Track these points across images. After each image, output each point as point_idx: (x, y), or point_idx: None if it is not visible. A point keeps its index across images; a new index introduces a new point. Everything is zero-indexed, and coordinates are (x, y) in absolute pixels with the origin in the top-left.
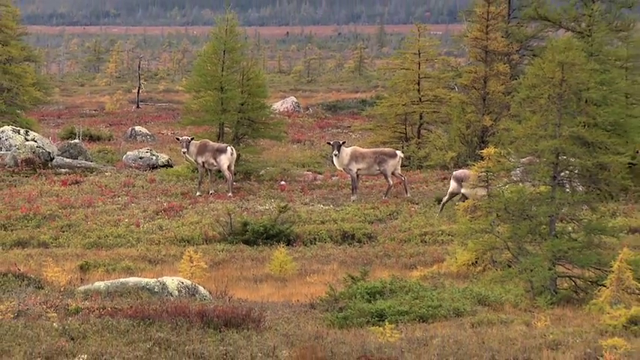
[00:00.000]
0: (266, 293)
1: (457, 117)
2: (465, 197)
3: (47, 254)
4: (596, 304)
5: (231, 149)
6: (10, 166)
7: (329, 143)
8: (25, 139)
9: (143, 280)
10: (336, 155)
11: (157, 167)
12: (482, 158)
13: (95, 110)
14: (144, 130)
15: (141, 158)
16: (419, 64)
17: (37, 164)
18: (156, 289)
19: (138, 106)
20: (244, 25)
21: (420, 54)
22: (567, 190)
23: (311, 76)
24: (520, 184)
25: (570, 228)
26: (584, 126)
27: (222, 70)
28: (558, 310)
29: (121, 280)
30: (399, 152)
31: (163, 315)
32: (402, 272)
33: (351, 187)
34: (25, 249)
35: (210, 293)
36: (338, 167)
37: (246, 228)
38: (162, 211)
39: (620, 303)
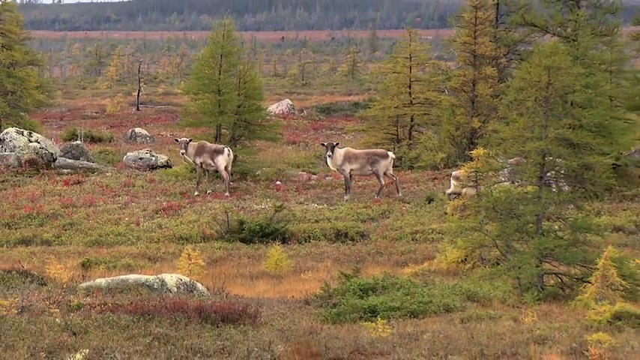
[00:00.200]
0: (262, 290)
1: (447, 119)
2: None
3: (50, 252)
4: (581, 300)
5: (228, 150)
6: (14, 167)
7: (323, 144)
8: (29, 140)
9: (143, 277)
10: (329, 156)
11: (156, 168)
12: (471, 159)
13: (96, 112)
14: (144, 131)
15: (141, 159)
16: (410, 67)
17: (40, 165)
18: (155, 286)
19: (138, 109)
20: (241, 30)
21: (411, 58)
22: (553, 189)
23: (305, 79)
24: (507, 183)
25: (556, 226)
26: (570, 128)
27: (220, 74)
28: (545, 306)
29: (122, 277)
30: (390, 153)
31: (162, 311)
32: (394, 269)
33: (344, 186)
34: (29, 247)
35: (207, 290)
36: (332, 168)
37: (242, 226)
38: (161, 210)
39: (605, 299)
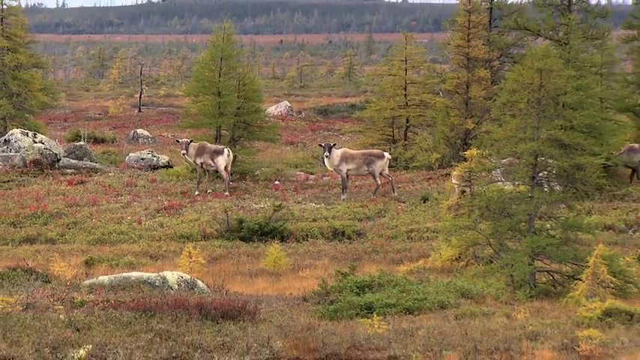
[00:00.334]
0: (261, 287)
1: (441, 120)
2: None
3: (54, 250)
4: (572, 297)
5: (228, 151)
6: (19, 167)
7: (320, 145)
8: (34, 141)
9: (145, 275)
10: (327, 156)
11: (157, 168)
12: (465, 159)
13: (99, 114)
14: (145, 132)
15: (142, 159)
16: (405, 70)
17: (44, 165)
18: (157, 283)
19: (140, 110)
20: (240, 34)
21: (406, 61)
22: (545, 189)
23: (303, 81)
24: (500, 183)
25: (548, 225)
26: (562, 129)
27: (220, 76)
28: (537, 303)
29: (124, 274)
30: (386, 154)
31: (164, 307)
32: (390, 267)
33: (341, 186)
34: (33, 245)
35: (208, 287)
36: (329, 168)
37: (242, 225)
38: (162, 209)
39: (596, 296)
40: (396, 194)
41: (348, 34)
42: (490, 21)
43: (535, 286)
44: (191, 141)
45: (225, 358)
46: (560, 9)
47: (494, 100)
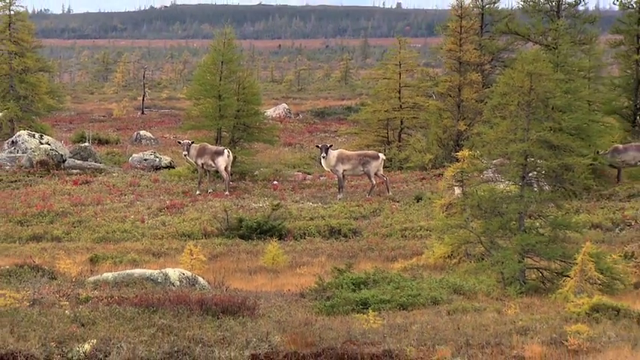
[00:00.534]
0: (260, 283)
1: (434, 122)
2: None
3: (60, 248)
4: (561, 293)
5: (228, 152)
6: (26, 167)
7: (317, 146)
8: (40, 142)
9: (147, 272)
10: (324, 157)
11: (160, 168)
12: (457, 160)
13: (104, 116)
14: (148, 134)
15: (145, 160)
16: (400, 74)
17: (50, 165)
18: (159, 280)
19: (143, 113)
20: (240, 39)
21: (400, 65)
22: (535, 189)
23: (301, 84)
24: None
25: (538, 224)
26: (551, 130)
27: (220, 80)
28: (527, 299)
29: (127, 271)
30: (381, 154)
31: (166, 303)
32: (384, 264)
33: (337, 186)
34: (40, 243)
35: (208, 283)
36: (326, 168)
37: (241, 224)
38: (165, 208)
39: (583, 292)
40: (390, 194)
41: (344, 38)
42: (481, 26)
43: (525, 283)
44: (192, 142)
45: (226, 352)
46: (549, 15)
47: (486, 102)
